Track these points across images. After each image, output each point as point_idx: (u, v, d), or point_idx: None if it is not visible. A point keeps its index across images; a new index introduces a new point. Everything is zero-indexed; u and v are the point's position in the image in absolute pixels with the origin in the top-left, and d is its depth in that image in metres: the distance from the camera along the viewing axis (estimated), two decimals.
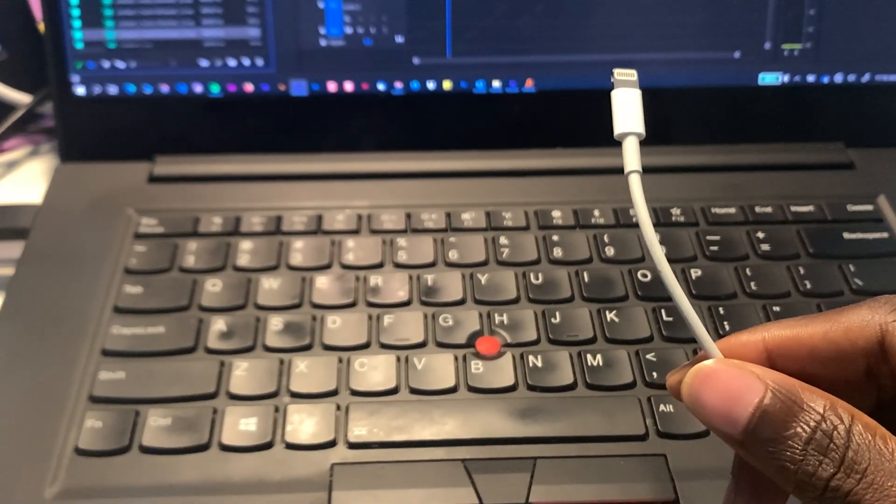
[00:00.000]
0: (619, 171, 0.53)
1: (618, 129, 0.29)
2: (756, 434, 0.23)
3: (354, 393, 0.40)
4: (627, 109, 0.29)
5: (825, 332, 0.26)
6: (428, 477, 0.37)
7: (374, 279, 0.46)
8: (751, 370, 0.24)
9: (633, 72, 0.30)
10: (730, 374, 0.24)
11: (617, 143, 0.55)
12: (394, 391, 0.40)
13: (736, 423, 0.24)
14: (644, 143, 0.60)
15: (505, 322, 0.43)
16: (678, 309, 0.26)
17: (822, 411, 0.23)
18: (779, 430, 0.23)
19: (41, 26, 0.54)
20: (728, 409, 0.24)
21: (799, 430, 0.23)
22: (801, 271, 0.46)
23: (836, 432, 0.23)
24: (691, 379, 0.25)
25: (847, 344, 0.26)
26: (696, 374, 0.25)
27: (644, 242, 0.28)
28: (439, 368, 0.41)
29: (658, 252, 0.27)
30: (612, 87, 0.30)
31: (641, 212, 0.27)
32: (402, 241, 0.48)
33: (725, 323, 0.43)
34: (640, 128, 0.29)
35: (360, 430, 0.38)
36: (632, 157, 0.29)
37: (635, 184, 0.28)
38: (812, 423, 0.23)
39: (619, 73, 0.30)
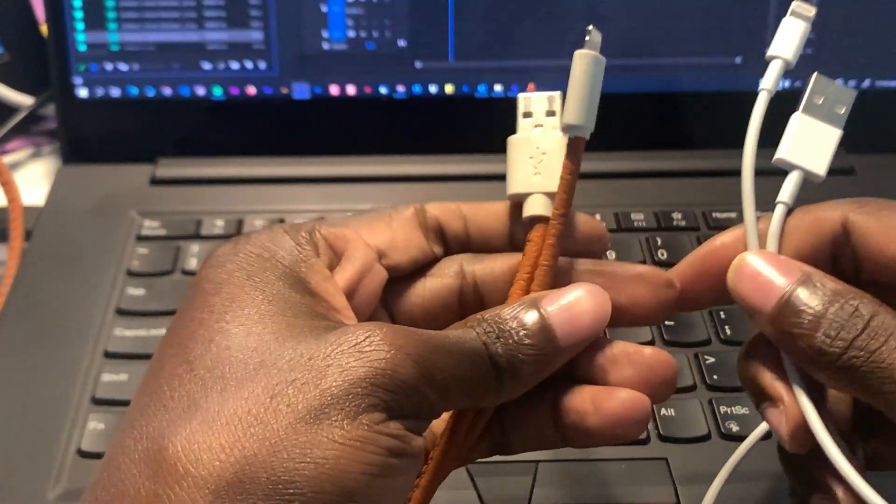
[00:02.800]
0: (622, 175, 0.53)
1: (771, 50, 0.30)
2: (786, 308, 0.25)
3: None
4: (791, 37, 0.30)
5: (798, 223, 0.28)
6: None
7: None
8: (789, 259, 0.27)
9: (813, 7, 0.30)
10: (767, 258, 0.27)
11: (617, 147, 0.55)
12: None
13: (768, 298, 0.26)
14: (643, 147, 0.60)
15: None
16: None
17: (850, 289, 0.25)
18: (809, 304, 0.25)
19: (44, 28, 0.54)
20: (763, 286, 0.26)
21: (827, 304, 0.25)
22: None
23: (861, 304, 0.25)
24: (736, 262, 0.27)
25: (816, 228, 0.28)
26: (741, 258, 0.27)
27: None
28: None
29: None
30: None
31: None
32: None
33: (727, 327, 0.43)
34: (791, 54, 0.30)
35: None
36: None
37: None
38: (843, 299, 0.25)
39: (798, 6, 0.30)
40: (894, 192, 0.51)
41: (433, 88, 0.54)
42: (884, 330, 0.24)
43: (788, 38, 0.30)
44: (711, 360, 0.41)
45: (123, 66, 0.53)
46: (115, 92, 0.53)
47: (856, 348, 0.24)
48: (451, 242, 0.30)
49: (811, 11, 0.30)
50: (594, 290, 0.27)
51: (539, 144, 0.30)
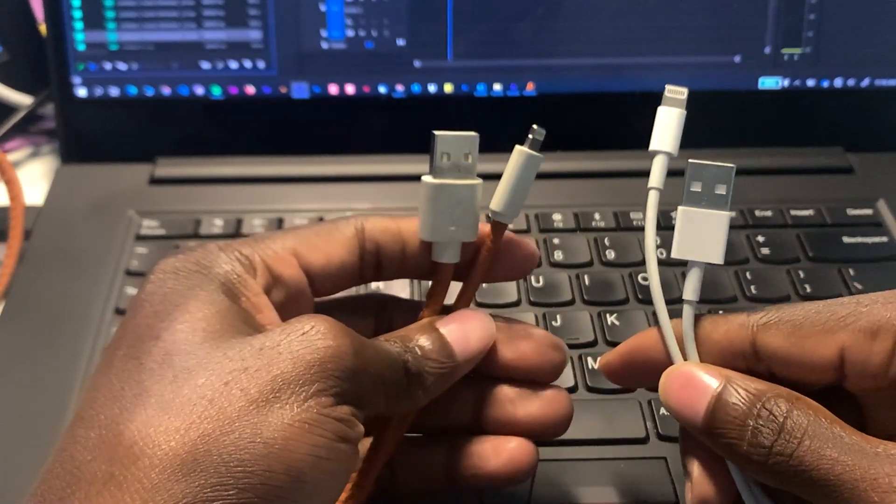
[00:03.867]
0: (620, 174, 0.53)
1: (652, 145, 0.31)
2: (714, 419, 0.26)
3: None
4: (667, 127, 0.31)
5: (710, 336, 0.29)
6: None
7: (376, 282, 0.46)
8: (709, 367, 0.28)
9: (685, 90, 0.31)
10: (691, 369, 0.28)
11: (615, 146, 0.55)
12: None
13: (697, 411, 0.27)
14: (645, 146, 0.60)
15: None
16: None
17: (764, 388, 0.26)
18: (732, 413, 0.26)
19: (43, 28, 0.54)
20: (691, 399, 0.27)
21: (748, 409, 0.26)
22: (801, 275, 0.46)
23: (776, 405, 0.26)
24: (664, 378, 0.28)
25: (727, 346, 0.28)
26: (667, 374, 0.28)
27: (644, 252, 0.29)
28: None
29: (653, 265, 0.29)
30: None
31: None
32: None
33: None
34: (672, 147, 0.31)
35: None
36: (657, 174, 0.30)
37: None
38: (759, 403, 0.26)
39: (670, 90, 0.31)
40: (893, 191, 0.51)
41: (432, 88, 0.54)
42: (798, 429, 0.25)
43: (667, 129, 0.31)
44: None
45: (122, 66, 0.53)
46: (114, 91, 0.53)
47: (776, 454, 0.25)
48: (385, 262, 0.32)
49: (683, 94, 0.31)
50: (479, 313, 0.31)
51: (455, 194, 0.30)
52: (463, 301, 0.32)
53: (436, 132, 0.30)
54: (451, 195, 0.30)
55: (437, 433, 0.32)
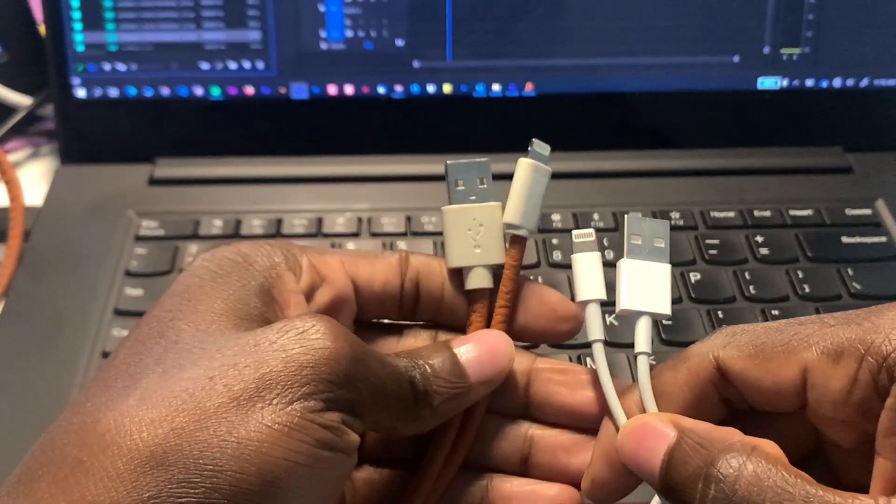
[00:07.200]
0: (619, 174, 0.53)
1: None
2: (669, 478, 0.24)
3: None
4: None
5: (676, 380, 0.27)
6: None
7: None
8: (662, 417, 0.26)
9: (591, 231, 0.30)
10: (644, 422, 0.26)
11: (615, 146, 0.55)
12: None
13: (653, 468, 0.25)
14: (644, 146, 0.60)
15: None
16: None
17: (716, 439, 0.24)
18: (682, 474, 0.24)
19: (42, 28, 0.54)
20: (646, 455, 0.25)
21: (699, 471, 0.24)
22: (800, 275, 0.46)
23: (726, 466, 0.23)
24: (621, 434, 0.27)
25: (695, 379, 0.27)
26: (625, 428, 0.27)
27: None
28: None
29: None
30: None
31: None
32: (402, 243, 0.48)
33: (724, 327, 0.43)
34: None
35: None
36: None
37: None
38: (707, 464, 0.24)
39: (577, 236, 0.30)
40: (892, 191, 0.51)
41: (431, 88, 0.54)
42: (751, 493, 0.23)
43: (591, 276, 0.30)
44: None
45: (121, 67, 0.53)
46: (114, 92, 0.53)
47: None
48: (424, 297, 0.31)
49: (591, 236, 0.30)
50: (498, 334, 0.29)
51: (475, 216, 0.30)
52: (491, 323, 0.30)
53: (448, 161, 0.30)
54: (469, 218, 0.30)
55: (480, 469, 0.30)
